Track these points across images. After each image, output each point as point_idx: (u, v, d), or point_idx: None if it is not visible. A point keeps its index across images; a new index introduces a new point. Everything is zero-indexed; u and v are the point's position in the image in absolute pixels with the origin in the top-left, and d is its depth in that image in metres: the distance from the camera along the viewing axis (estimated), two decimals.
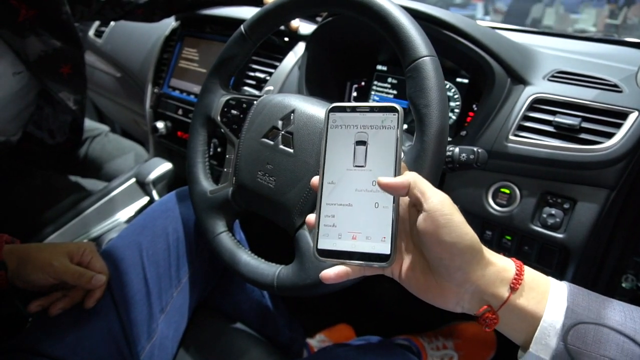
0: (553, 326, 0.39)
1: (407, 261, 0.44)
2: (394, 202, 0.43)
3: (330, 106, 0.47)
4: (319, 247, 0.45)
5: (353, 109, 0.46)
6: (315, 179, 0.47)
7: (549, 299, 0.40)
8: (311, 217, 0.47)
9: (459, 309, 0.43)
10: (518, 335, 0.42)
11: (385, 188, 0.41)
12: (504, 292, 0.40)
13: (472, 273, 0.40)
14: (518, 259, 0.45)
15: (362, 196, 0.44)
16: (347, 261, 0.43)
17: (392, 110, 0.45)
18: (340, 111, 0.47)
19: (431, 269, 0.42)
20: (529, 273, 0.42)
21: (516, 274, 0.41)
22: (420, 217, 0.40)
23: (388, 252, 0.42)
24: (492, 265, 0.41)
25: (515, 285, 0.40)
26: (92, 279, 0.65)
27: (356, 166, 0.45)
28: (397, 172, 0.43)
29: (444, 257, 0.40)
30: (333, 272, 0.44)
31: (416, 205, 0.41)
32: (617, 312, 0.40)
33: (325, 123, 0.47)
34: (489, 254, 0.42)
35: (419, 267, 0.43)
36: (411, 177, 0.41)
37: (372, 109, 0.45)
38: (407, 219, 0.44)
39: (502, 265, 0.41)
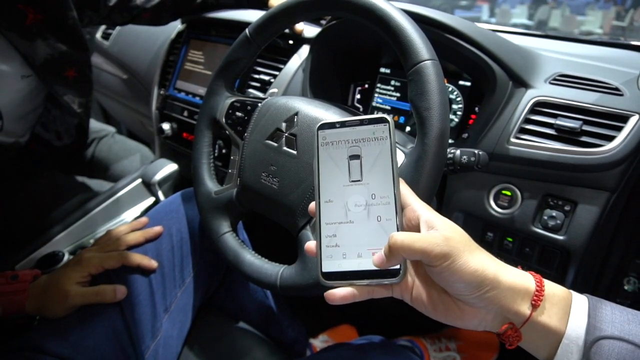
0: (575, 343, 0.38)
1: (418, 283, 0.42)
2: (397, 214, 0.42)
3: (319, 124, 0.46)
4: (324, 270, 0.43)
5: (342, 124, 0.45)
6: (312, 205, 0.46)
7: (570, 314, 0.40)
8: (311, 244, 0.45)
9: (481, 328, 0.42)
10: (541, 352, 0.41)
11: (382, 266, 0.40)
12: (526, 309, 0.40)
13: (494, 297, 0.39)
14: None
15: (363, 211, 0.43)
16: (356, 281, 0.41)
17: (382, 121, 0.44)
18: (330, 127, 0.46)
19: (449, 294, 0.41)
20: (550, 287, 0.41)
21: (536, 290, 0.40)
22: (429, 271, 0.40)
23: (397, 266, 0.41)
24: (513, 284, 0.40)
25: (536, 302, 0.40)
26: (115, 293, 0.67)
27: (353, 181, 0.44)
28: (395, 182, 0.42)
29: (461, 293, 0.39)
30: (339, 293, 0.41)
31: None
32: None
33: (316, 142, 0.46)
34: (507, 271, 0.41)
35: (434, 289, 0.42)
36: (399, 241, 0.39)
37: (362, 122, 0.45)
38: None
39: (521, 281, 0.40)
